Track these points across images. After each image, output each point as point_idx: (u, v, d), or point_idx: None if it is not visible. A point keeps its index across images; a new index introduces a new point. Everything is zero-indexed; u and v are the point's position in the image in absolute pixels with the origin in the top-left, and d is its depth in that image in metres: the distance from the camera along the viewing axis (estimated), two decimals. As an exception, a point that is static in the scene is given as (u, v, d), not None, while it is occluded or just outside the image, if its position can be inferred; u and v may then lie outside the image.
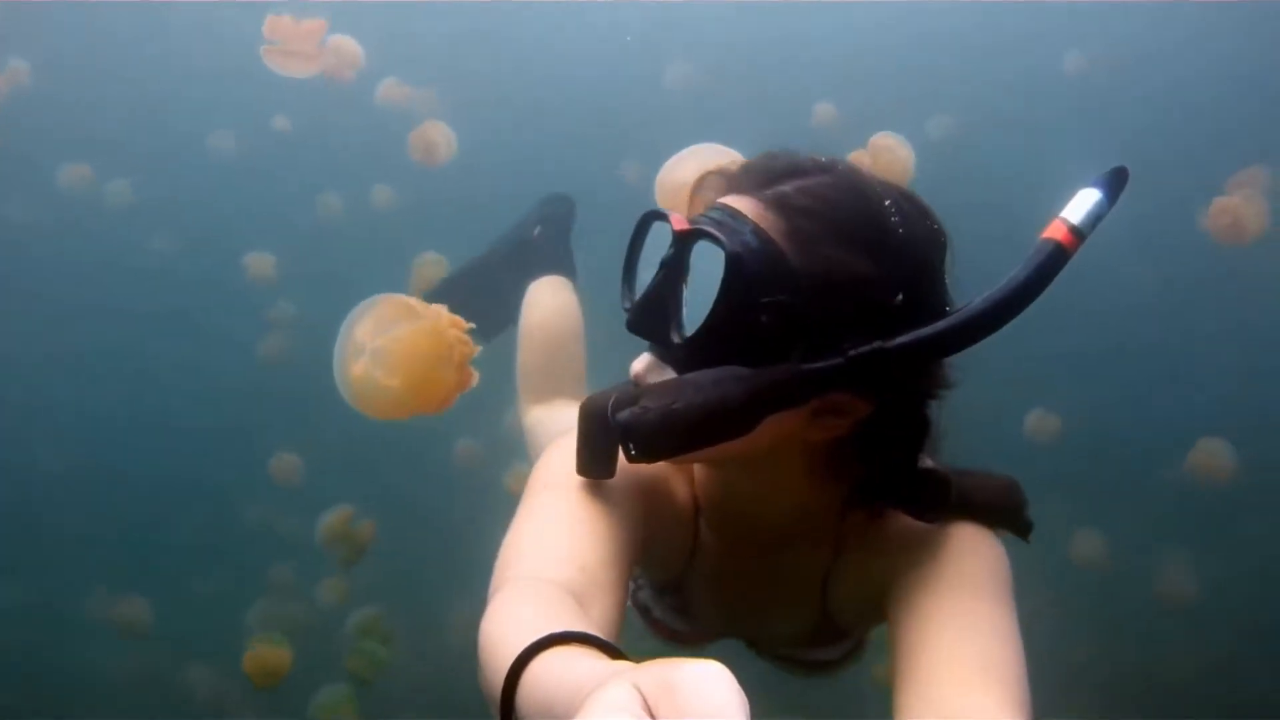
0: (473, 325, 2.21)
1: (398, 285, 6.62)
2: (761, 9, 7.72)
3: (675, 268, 1.29)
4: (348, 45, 4.82)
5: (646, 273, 1.36)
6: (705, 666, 0.59)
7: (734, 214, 1.28)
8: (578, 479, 1.37)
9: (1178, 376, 6.74)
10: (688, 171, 2.14)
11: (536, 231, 3.41)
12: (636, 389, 1.31)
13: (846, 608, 1.58)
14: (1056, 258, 1.24)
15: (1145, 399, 6.53)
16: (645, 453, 1.25)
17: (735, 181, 1.37)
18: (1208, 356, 6.70)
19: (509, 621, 1.04)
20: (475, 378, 2.20)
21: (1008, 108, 7.48)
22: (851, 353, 1.23)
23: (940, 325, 1.23)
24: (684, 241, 1.28)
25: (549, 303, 3.16)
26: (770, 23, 7.77)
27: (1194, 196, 5.38)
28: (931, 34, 7.67)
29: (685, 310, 1.29)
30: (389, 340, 2.13)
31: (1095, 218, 1.27)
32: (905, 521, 1.43)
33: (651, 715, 0.58)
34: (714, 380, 1.24)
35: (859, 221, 1.29)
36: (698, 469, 1.55)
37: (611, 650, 0.91)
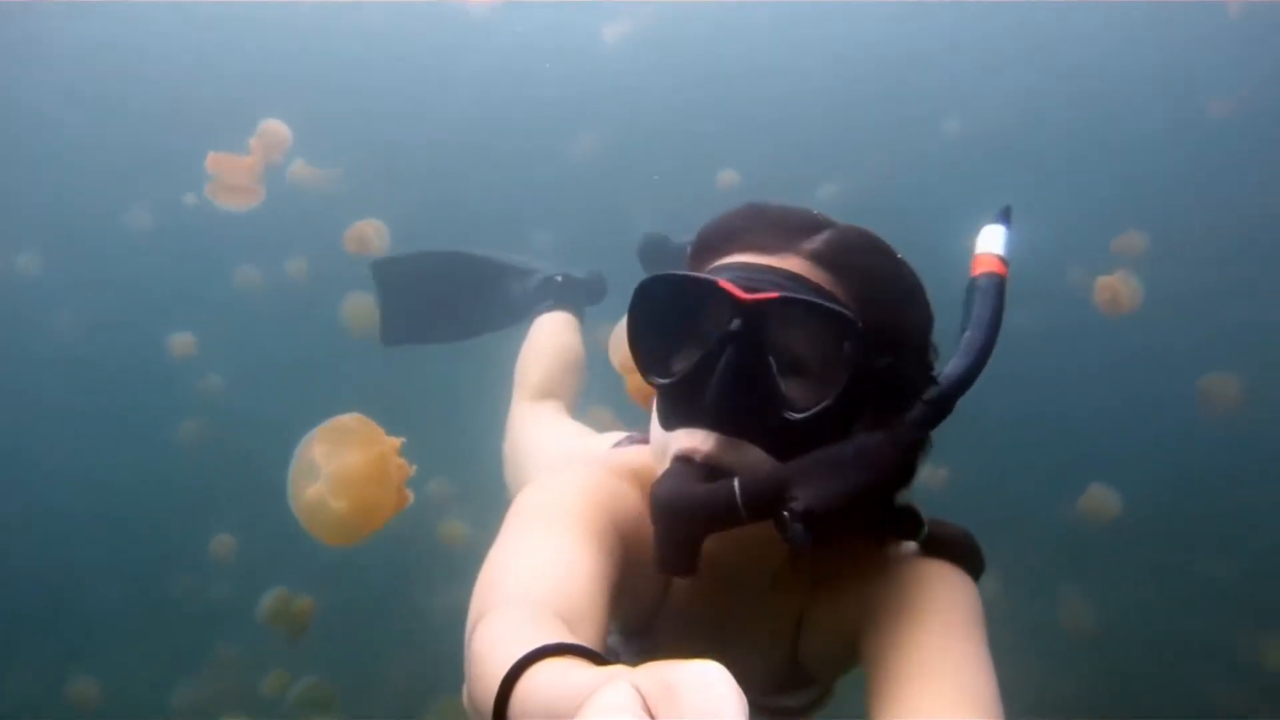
0: (404, 439, 2.30)
1: (318, 351, 6.73)
2: (663, 84, 8.03)
3: (751, 340, 1.24)
4: (278, 128, 5.04)
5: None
6: (704, 667, 0.59)
7: (785, 274, 1.28)
8: (561, 511, 1.32)
9: (1061, 426, 7.09)
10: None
11: (560, 278, 3.45)
12: (766, 475, 1.23)
13: (819, 649, 1.54)
14: (1003, 285, 1.37)
15: (1033, 449, 6.85)
16: (827, 538, 1.21)
17: (750, 240, 1.34)
18: (1087, 405, 7.06)
19: (500, 637, 1.02)
20: (410, 498, 2.28)
21: (894, 172, 7.80)
22: (926, 398, 1.28)
23: (967, 362, 1.30)
24: (758, 311, 1.23)
25: (558, 329, 3.23)
26: (673, 93, 8.07)
27: (1072, 255, 5.73)
28: (824, 102, 8.05)
29: (785, 385, 1.26)
30: (341, 466, 2.27)
31: (1008, 246, 1.41)
32: (878, 559, 1.43)
33: (651, 716, 0.58)
34: (868, 450, 1.24)
35: (894, 271, 1.35)
36: None
37: (604, 663, 0.88)
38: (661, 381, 1.30)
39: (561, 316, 3.27)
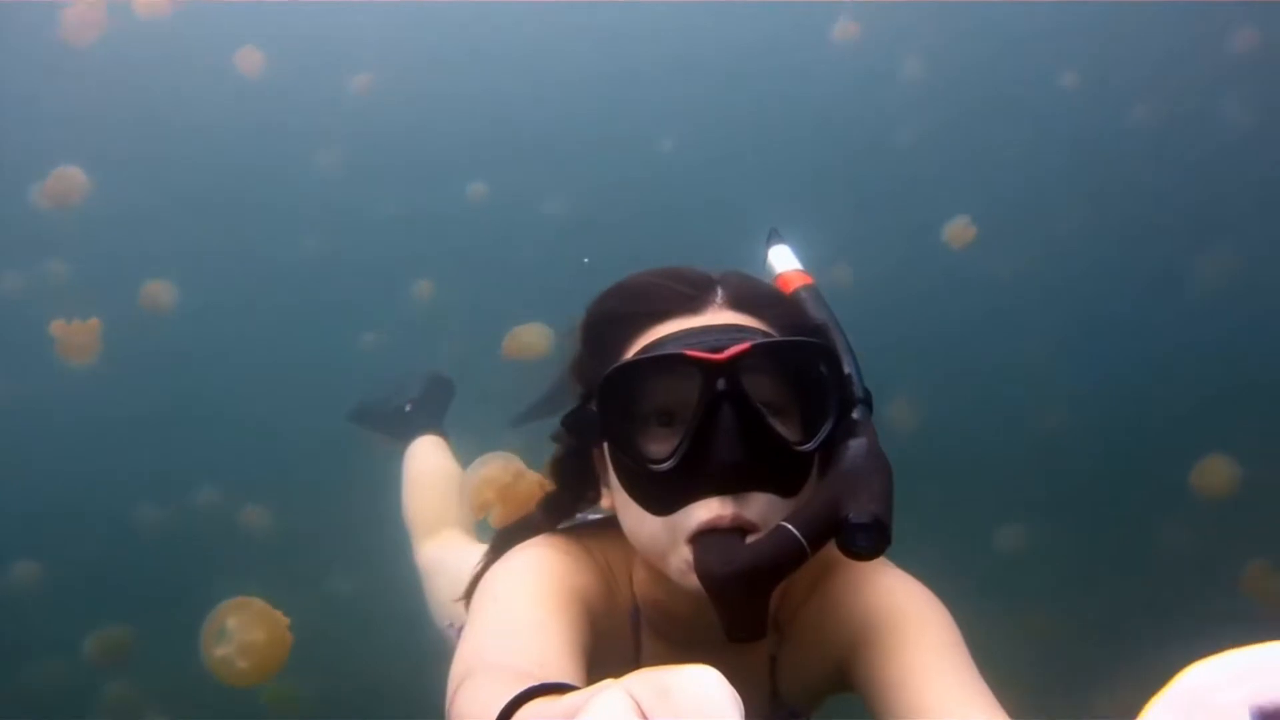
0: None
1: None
2: (407, 99, 8.43)
3: (738, 396, 1.24)
4: (73, 174, 5.46)
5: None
6: (699, 671, 0.58)
7: (729, 327, 1.31)
8: (528, 588, 1.35)
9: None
10: (491, 470, 2.48)
11: (408, 407, 3.54)
12: (809, 508, 1.26)
13: (800, 684, 1.54)
14: (819, 290, 1.50)
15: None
16: (889, 538, 1.24)
17: (665, 310, 1.36)
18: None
19: (483, 695, 1.02)
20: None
21: (622, 185, 8.51)
22: (860, 398, 1.36)
23: (852, 359, 1.39)
24: (737, 367, 1.24)
25: (428, 455, 3.30)
26: (417, 109, 8.51)
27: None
28: (558, 118, 8.73)
29: (781, 424, 1.28)
30: (248, 639, 2.84)
31: (800, 259, 1.58)
32: (841, 584, 1.46)
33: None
34: (874, 451, 1.28)
35: (782, 293, 1.47)
36: (641, 573, 1.48)
37: None
38: (660, 467, 1.27)
39: (421, 444, 3.36)
